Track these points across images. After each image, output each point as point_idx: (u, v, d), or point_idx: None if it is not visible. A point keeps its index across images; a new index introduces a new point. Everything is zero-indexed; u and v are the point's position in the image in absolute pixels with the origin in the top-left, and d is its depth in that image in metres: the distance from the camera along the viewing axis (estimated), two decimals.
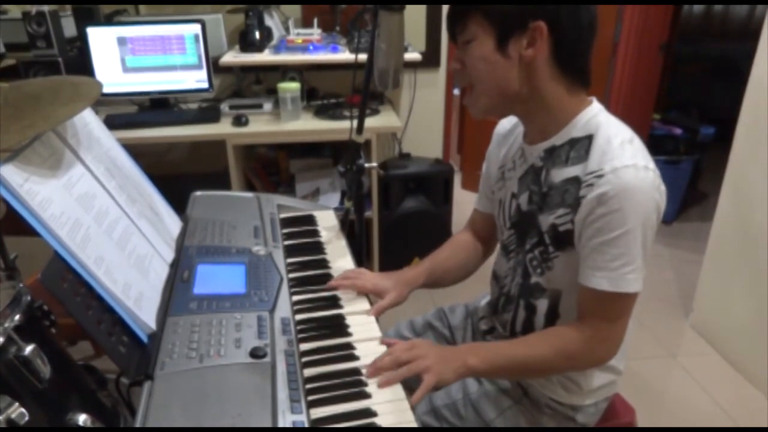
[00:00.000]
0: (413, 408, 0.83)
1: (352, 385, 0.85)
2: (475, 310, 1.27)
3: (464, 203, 3.35)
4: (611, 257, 0.87)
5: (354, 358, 0.91)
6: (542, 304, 1.02)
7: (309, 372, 0.87)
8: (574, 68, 0.93)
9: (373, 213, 2.42)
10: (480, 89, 0.95)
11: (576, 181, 0.91)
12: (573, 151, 0.93)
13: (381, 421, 0.79)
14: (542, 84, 0.92)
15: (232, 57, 2.35)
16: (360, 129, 1.22)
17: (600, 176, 0.87)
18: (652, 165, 0.88)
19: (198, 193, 1.37)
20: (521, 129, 1.05)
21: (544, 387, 1.03)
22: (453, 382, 0.93)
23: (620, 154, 0.87)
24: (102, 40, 2.24)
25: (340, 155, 2.66)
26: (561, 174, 0.94)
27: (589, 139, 0.92)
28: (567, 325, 0.97)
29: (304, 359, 0.90)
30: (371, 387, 0.85)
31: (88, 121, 1.01)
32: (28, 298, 0.70)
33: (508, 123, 1.13)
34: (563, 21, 0.88)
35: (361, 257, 1.27)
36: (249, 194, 1.41)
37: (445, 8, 2.54)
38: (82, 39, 2.22)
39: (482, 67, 0.92)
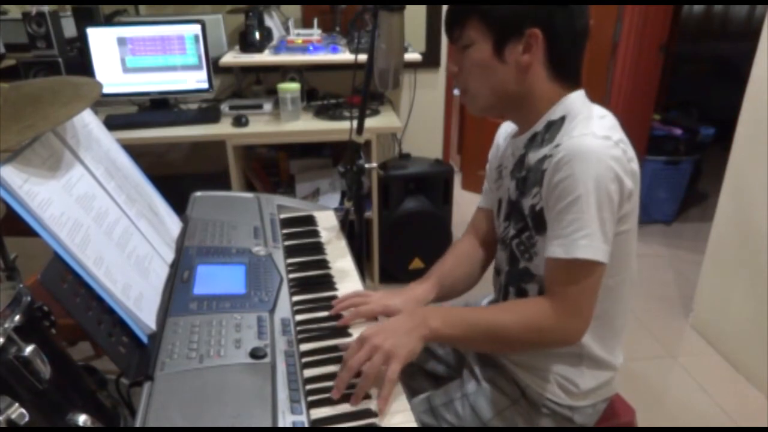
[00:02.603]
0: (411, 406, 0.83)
1: (352, 385, 0.85)
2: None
3: (464, 204, 3.36)
4: (566, 224, 0.87)
5: None
6: (533, 289, 1.02)
7: (309, 372, 0.87)
8: (568, 70, 0.95)
9: (373, 213, 2.43)
10: (477, 91, 0.98)
11: (544, 158, 0.93)
12: (548, 133, 0.95)
13: (381, 421, 0.79)
14: (537, 85, 0.95)
15: (232, 57, 2.35)
16: (360, 129, 1.22)
17: (557, 146, 0.89)
18: (616, 138, 0.88)
19: (198, 193, 1.37)
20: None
21: (541, 387, 1.03)
22: (420, 349, 0.89)
23: (582, 126, 0.88)
24: (102, 41, 2.24)
25: (340, 155, 2.66)
26: (536, 155, 0.96)
27: (562, 120, 0.94)
28: (537, 297, 0.97)
29: (304, 360, 0.90)
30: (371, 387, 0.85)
31: (88, 121, 1.01)
32: (28, 298, 0.70)
33: (508, 126, 1.14)
34: (558, 27, 0.90)
35: (361, 257, 1.26)
36: (249, 195, 1.41)
37: (445, 8, 2.54)
38: (82, 39, 2.22)
39: (479, 71, 0.95)
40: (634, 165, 0.90)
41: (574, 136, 0.87)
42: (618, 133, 0.90)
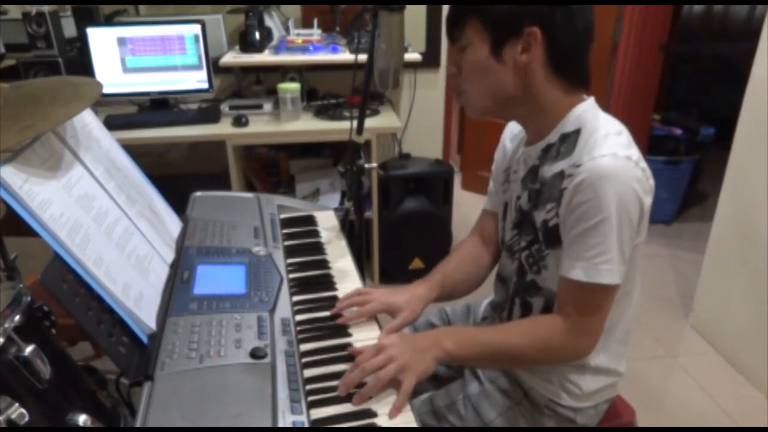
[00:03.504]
0: (412, 406, 0.83)
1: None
2: (477, 310, 1.27)
3: (464, 204, 3.36)
4: (588, 247, 0.88)
5: (354, 358, 0.91)
6: (538, 303, 1.02)
7: (309, 372, 0.87)
8: (570, 71, 0.93)
9: (373, 213, 2.43)
10: (474, 92, 0.97)
11: (561, 174, 0.92)
12: (563, 146, 0.94)
13: (381, 421, 0.80)
14: (538, 87, 0.93)
15: (232, 57, 2.35)
16: (360, 129, 1.22)
17: (578, 166, 0.87)
18: (635, 157, 0.87)
19: (198, 193, 1.37)
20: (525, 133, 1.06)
21: (544, 388, 1.03)
22: (433, 370, 0.91)
23: (601, 145, 0.87)
24: (102, 41, 2.24)
25: (340, 155, 2.66)
26: (551, 169, 0.95)
27: (577, 133, 0.93)
28: (547, 316, 0.97)
29: (305, 360, 0.90)
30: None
31: (88, 121, 1.01)
32: (28, 298, 0.70)
33: (516, 127, 1.12)
34: (558, 26, 0.89)
35: (361, 257, 1.26)
36: (249, 195, 1.41)
37: (445, 8, 2.54)
38: (82, 39, 2.22)
39: (477, 72, 0.94)
40: (652, 181, 0.90)
41: (596, 157, 0.86)
42: (636, 150, 0.89)
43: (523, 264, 1.03)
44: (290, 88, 2.27)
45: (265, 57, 2.35)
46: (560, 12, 0.88)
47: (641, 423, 1.19)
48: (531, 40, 0.88)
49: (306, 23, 2.58)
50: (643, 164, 0.89)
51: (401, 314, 1.02)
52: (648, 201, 0.89)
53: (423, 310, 1.07)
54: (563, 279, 0.92)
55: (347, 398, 0.83)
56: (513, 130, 1.13)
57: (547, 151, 0.96)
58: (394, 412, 0.81)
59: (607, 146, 0.87)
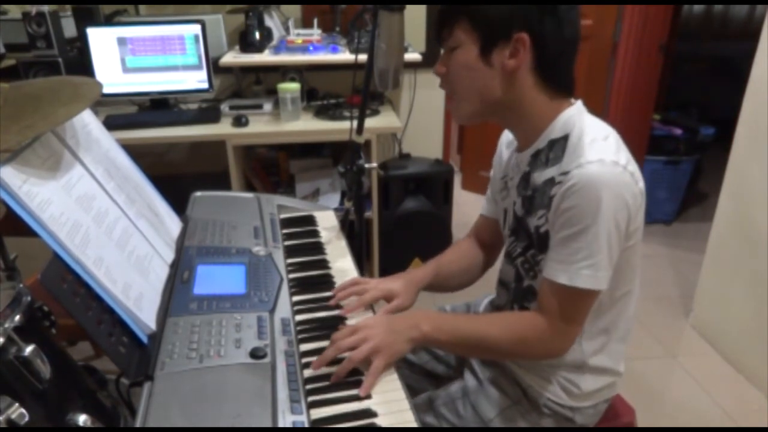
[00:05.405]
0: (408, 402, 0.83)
1: (352, 385, 0.85)
2: (477, 309, 1.28)
3: (464, 204, 3.36)
4: (572, 251, 0.88)
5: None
6: (535, 308, 1.02)
7: (309, 372, 0.87)
8: (556, 78, 0.94)
9: (373, 213, 2.42)
10: (461, 95, 0.98)
11: (552, 181, 0.92)
12: (552, 152, 0.94)
13: (381, 421, 0.80)
14: (524, 92, 0.93)
15: (232, 57, 2.35)
16: (360, 129, 1.22)
17: (566, 173, 0.88)
18: (623, 161, 0.87)
19: (198, 193, 1.37)
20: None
21: (543, 387, 1.04)
22: (408, 352, 0.93)
23: (588, 151, 0.87)
24: (102, 41, 2.24)
25: (340, 155, 2.66)
26: (542, 176, 0.95)
27: (565, 138, 0.93)
28: (528, 313, 0.98)
29: (305, 360, 0.90)
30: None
31: (88, 121, 1.01)
32: (28, 298, 0.70)
33: (510, 133, 1.13)
34: (546, 34, 0.89)
35: (361, 257, 1.27)
36: (249, 194, 1.41)
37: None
38: (82, 39, 2.22)
39: (465, 74, 0.95)
40: (641, 184, 0.90)
41: (583, 164, 0.86)
42: (624, 154, 0.89)
43: (519, 270, 1.04)
44: (290, 88, 2.27)
45: (265, 57, 2.35)
46: (549, 20, 0.88)
47: (641, 423, 1.19)
48: (519, 46, 0.89)
49: (306, 23, 2.58)
50: (632, 167, 0.89)
51: (397, 299, 1.06)
52: (637, 204, 0.89)
53: (417, 296, 1.11)
54: (546, 281, 0.93)
55: (347, 399, 0.83)
56: (509, 136, 1.14)
57: (537, 156, 0.97)
58: (362, 390, 0.83)
59: (594, 152, 0.87)
